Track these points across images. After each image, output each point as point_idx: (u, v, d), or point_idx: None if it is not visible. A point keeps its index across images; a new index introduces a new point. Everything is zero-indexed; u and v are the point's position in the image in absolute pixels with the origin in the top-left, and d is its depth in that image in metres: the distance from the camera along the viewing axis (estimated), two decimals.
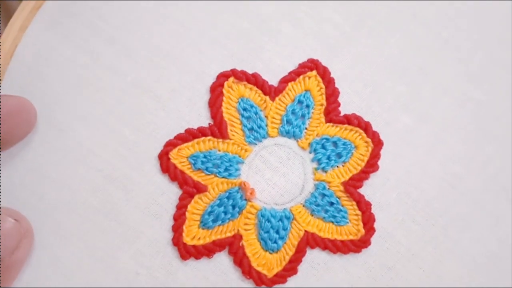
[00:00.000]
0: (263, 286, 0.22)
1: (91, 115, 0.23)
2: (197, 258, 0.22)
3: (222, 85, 0.23)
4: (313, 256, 0.22)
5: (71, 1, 0.24)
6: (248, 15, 0.24)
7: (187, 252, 0.22)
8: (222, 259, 0.22)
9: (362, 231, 0.23)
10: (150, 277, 0.22)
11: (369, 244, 0.23)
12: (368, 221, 0.23)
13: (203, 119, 0.23)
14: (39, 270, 0.22)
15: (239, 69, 0.24)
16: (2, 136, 0.22)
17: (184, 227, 0.22)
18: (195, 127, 0.23)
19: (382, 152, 0.23)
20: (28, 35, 0.24)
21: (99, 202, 0.22)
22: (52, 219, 0.22)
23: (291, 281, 0.22)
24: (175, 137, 0.23)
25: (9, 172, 0.23)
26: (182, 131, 0.23)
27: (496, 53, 0.24)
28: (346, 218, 0.23)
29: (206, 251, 0.22)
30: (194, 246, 0.22)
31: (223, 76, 0.23)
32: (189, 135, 0.23)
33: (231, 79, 0.23)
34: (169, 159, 0.23)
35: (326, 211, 0.23)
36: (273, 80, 0.24)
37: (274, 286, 0.22)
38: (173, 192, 0.23)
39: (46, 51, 0.24)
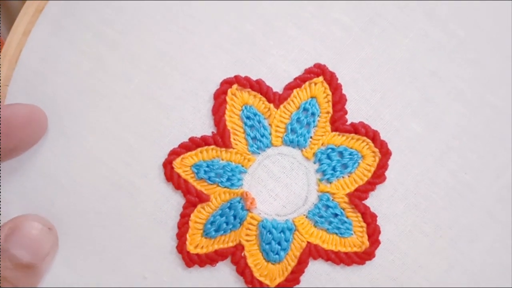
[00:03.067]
0: None
1: (97, 122, 0.23)
2: (201, 266, 0.22)
3: (226, 93, 0.23)
4: (316, 267, 0.22)
5: (73, 4, 0.24)
6: (252, 17, 0.23)
7: (191, 260, 0.22)
8: (226, 267, 0.22)
9: (367, 243, 0.22)
10: (157, 281, 0.23)
11: (374, 256, 0.22)
12: (373, 233, 0.22)
13: (207, 127, 0.23)
14: (52, 272, 0.23)
15: (243, 74, 0.23)
16: (16, 143, 0.22)
17: (187, 235, 0.22)
18: (199, 135, 0.23)
19: (390, 161, 0.23)
20: (32, 40, 0.24)
21: (107, 208, 0.23)
22: (63, 224, 0.23)
23: None
24: (179, 146, 0.23)
25: (22, 177, 0.23)
26: (186, 139, 0.23)
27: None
28: (351, 230, 0.22)
29: (209, 260, 0.22)
30: (197, 255, 0.22)
31: (227, 83, 0.23)
32: (193, 144, 0.23)
33: (235, 86, 0.23)
34: (173, 168, 0.23)
35: (330, 223, 0.22)
36: (278, 86, 0.23)
37: None
38: (178, 200, 0.23)
39: (51, 56, 0.24)
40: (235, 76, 0.23)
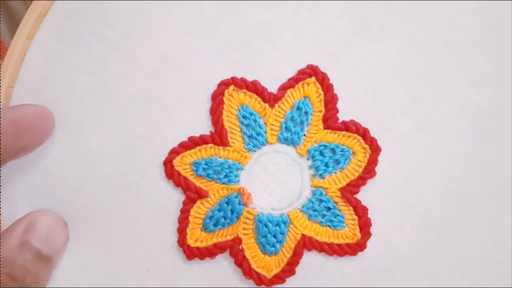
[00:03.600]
0: (263, 286, 0.23)
1: (101, 123, 0.24)
2: (201, 258, 0.24)
3: (223, 93, 0.24)
4: (310, 258, 0.23)
5: (76, 8, 0.25)
6: (250, 22, 0.24)
7: (191, 253, 0.23)
8: (225, 260, 0.24)
9: (359, 235, 0.23)
10: (159, 274, 0.24)
11: (365, 247, 0.23)
12: (364, 225, 0.23)
13: (205, 127, 0.24)
14: (60, 267, 0.24)
15: (239, 76, 0.24)
16: (26, 143, 0.23)
17: (187, 230, 0.24)
18: (198, 134, 0.24)
19: (380, 158, 0.24)
20: (36, 43, 0.25)
21: (111, 206, 0.24)
22: (69, 222, 0.24)
23: (290, 281, 0.23)
24: (178, 145, 0.24)
25: (28, 177, 0.24)
26: (186, 138, 0.24)
27: (501, 57, 0.24)
28: (343, 223, 0.24)
29: (208, 252, 0.23)
30: (197, 248, 0.23)
31: (224, 85, 0.24)
32: (192, 143, 0.24)
33: (232, 87, 0.24)
34: (173, 166, 0.24)
35: (323, 216, 0.24)
36: (273, 86, 0.24)
37: (273, 286, 0.23)
38: (178, 196, 0.24)
39: (55, 58, 0.25)
40: (232, 78, 0.24)
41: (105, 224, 0.24)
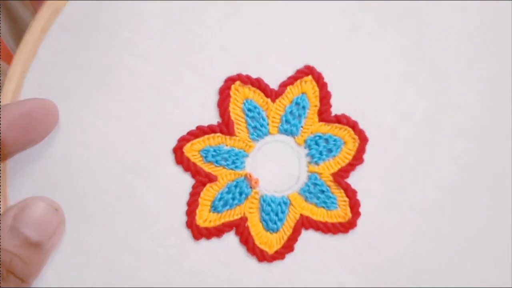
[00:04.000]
0: (265, 261, 0.26)
1: (112, 112, 0.26)
2: (208, 238, 0.26)
3: (230, 88, 0.27)
4: (307, 236, 0.26)
5: (90, 7, 0.26)
6: (253, 25, 0.27)
7: (199, 233, 0.26)
8: (230, 238, 0.26)
9: (349, 214, 0.26)
10: (167, 255, 0.26)
11: (355, 225, 0.26)
12: (354, 206, 0.27)
13: (213, 118, 0.27)
14: (66, 250, 0.25)
15: (244, 73, 0.27)
16: (35, 136, 0.25)
17: (197, 211, 0.26)
18: (206, 124, 0.27)
19: (367, 147, 0.27)
20: (50, 36, 0.26)
21: (120, 189, 0.26)
22: (78, 205, 0.25)
23: (289, 257, 0.26)
24: (188, 133, 0.26)
25: (36, 164, 0.26)
26: (194, 128, 0.26)
27: (478, 58, 0.27)
28: (336, 204, 0.27)
29: (216, 231, 0.26)
30: (205, 228, 0.26)
31: (230, 80, 0.27)
32: (201, 132, 0.26)
33: (238, 82, 0.27)
34: (183, 152, 0.26)
35: (318, 198, 0.27)
36: (274, 83, 0.27)
37: (274, 261, 0.26)
38: (186, 181, 0.26)
39: (68, 52, 0.26)
40: (238, 74, 0.27)
41: (113, 206, 0.26)
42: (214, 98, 0.27)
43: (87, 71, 0.27)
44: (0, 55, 0.28)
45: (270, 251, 0.26)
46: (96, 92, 0.26)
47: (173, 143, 0.26)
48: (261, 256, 0.26)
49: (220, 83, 0.27)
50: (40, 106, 0.25)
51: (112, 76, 0.26)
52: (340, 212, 0.27)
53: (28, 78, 0.27)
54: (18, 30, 0.35)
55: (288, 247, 0.26)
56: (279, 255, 0.26)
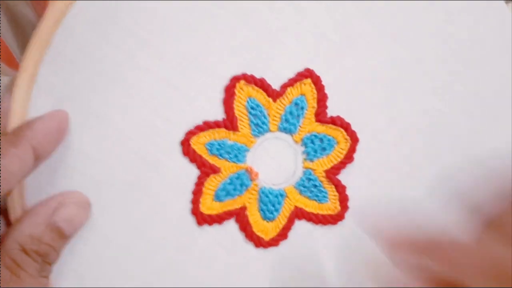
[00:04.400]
0: (261, 247, 0.28)
1: (126, 106, 0.28)
2: (210, 224, 0.28)
3: (235, 86, 0.29)
4: (300, 226, 0.29)
5: (107, 6, 0.28)
6: (259, 29, 0.29)
7: (203, 219, 0.28)
8: (230, 225, 0.28)
9: (339, 208, 0.29)
10: (175, 240, 0.28)
11: (344, 218, 0.29)
12: (343, 200, 0.29)
13: (219, 114, 0.29)
14: (82, 236, 0.27)
15: (249, 73, 0.29)
16: (50, 152, 0.25)
17: (201, 199, 0.28)
18: (212, 120, 0.29)
19: (358, 147, 0.30)
20: (65, 28, 0.27)
21: (133, 178, 0.28)
22: (93, 192, 0.27)
23: (283, 244, 0.29)
24: (195, 127, 0.28)
25: (54, 153, 0.27)
26: (201, 123, 0.29)
27: (461, 70, 0.29)
28: (327, 198, 0.29)
29: (218, 219, 0.28)
30: (208, 215, 0.28)
31: (236, 79, 0.29)
32: (207, 126, 0.28)
33: (242, 81, 0.29)
34: (190, 145, 0.28)
35: (311, 192, 0.29)
36: (275, 84, 0.29)
37: (269, 247, 0.29)
38: (193, 172, 0.28)
39: (84, 45, 0.28)
40: (243, 74, 0.29)
41: (126, 194, 0.28)
42: (220, 95, 0.29)
43: (104, 66, 0.28)
44: (0, 55, 0.29)
45: (266, 238, 0.28)
46: (112, 87, 0.28)
47: (182, 136, 0.28)
48: (258, 242, 0.28)
49: (225, 81, 0.29)
50: (55, 124, 0.25)
51: (128, 73, 0.28)
52: (330, 205, 0.29)
53: (44, 67, 0.28)
54: (19, 30, 0.35)
55: (282, 235, 0.29)
56: (274, 241, 0.29)
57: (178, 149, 0.28)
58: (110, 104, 0.28)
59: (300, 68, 0.29)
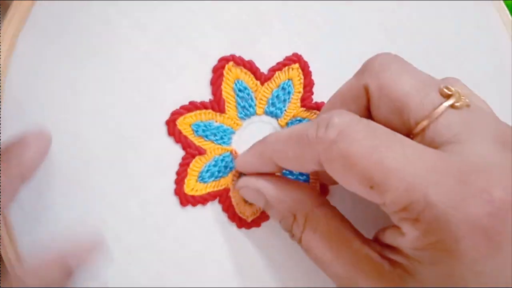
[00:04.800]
0: (243, 227, 0.29)
1: (104, 80, 0.27)
2: (193, 205, 0.28)
3: (223, 68, 0.29)
4: None
5: None
6: (248, 9, 0.29)
7: (186, 200, 0.28)
8: (214, 206, 0.29)
9: (319, 191, 0.30)
10: (155, 220, 0.28)
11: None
12: (323, 185, 0.30)
13: (205, 95, 0.29)
14: (54, 210, 0.27)
15: (237, 55, 0.29)
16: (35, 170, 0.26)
17: (185, 180, 0.28)
18: (199, 100, 0.28)
19: None
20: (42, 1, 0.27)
21: (113, 156, 0.27)
22: (70, 169, 0.27)
23: (264, 225, 0.29)
24: (180, 107, 0.28)
25: (32, 126, 0.27)
26: (187, 103, 0.28)
27: (448, 66, 0.31)
28: (308, 181, 0.30)
29: (201, 199, 0.28)
30: (192, 196, 0.28)
31: (224, 60, 0.29)
32: (193, 107, 0.28)
33: (231, 63, 0.29)
34: (175, 125, 0.28)
35: (293, 174, 0.30)
36: (263, 67, 0.29)
37: (251, 228, 0.29)
38: (177, 153, 0.28)
39: (62, 16, 0.27)
40: (232, 55, 0.29)
41: (104, 174, 0.27)
42: (207, 76, 0.29)
43: (82, 37, 0.27)
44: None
45: (248, 219, 0.29)
46: (90, 60, 0.27)
47: (166, 115, 0.28)
48: (240, 223, 0.29)
49: (212, 61, 0.28)
50: (41, 148, 0.26)
51: (106, 45, 0.27)
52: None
53: (21, 37, 0.27)
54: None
55: (264, 217, 0.29)
56: (256, 223, 0.29)
57: (162, 128, 0.28)
58: (88, 76, 0.27)
59: (288, 52, 0.29)
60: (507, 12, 0.31)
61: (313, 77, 0.30)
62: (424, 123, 0.23)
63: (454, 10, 0.31)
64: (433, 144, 0.22)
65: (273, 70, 0.29)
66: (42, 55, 0.27)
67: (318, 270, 0.25)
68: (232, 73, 0.29)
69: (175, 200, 0.28)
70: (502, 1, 0.31)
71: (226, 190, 0.29)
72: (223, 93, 0.28)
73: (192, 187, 0.28)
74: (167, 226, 0.28)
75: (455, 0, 0.31)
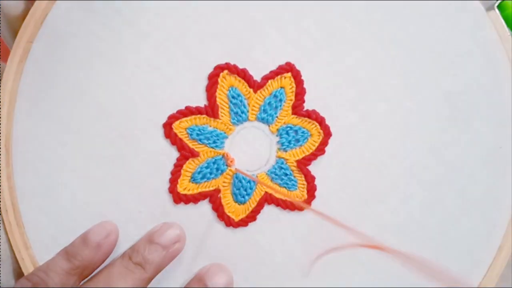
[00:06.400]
0: (231, 226, 0.31)
1: (109, 82, 0.29)
2: (186, 203, 0.30)
3: (218, 75, 0.30)
4: (269, 210, 0.31)
5: None
6: (243, 18, 0.30)
7: (179, 198, 0.30)
8: (204, 206, 0.31)
9: (306, 196, 0.31)
10: (149, 215, 0.30)
11: (310, 206, 0.32)
12: (311, 189, 0.31)
13: (201, 100, 0.30)
14: (59, 203, 0.30)
15: (232, 63, 0.30)
16: None
17: (178, 180, 0.30)
18: (194, 105, 0.30)
19: (330, 141, 0.31)
20: (57, 7, 0.29)
21: (112, 154, 0.30)
22: (73, 163, 0.29)
23: (251, 225, 0.31)
24: (177, 112, 0.30)
25: (41, 121, 0.29)
26: (183, 107, 0.30)
27: (434, 70, 0.31)
28: (296, 186, 0.32)
29: (193, 199, 0.30)
30: (184, 195, 0.30)
31: (220, 68, 0.30)
32: (189, 112, 0.30)
33: (226, 71, 0.30)
34: (171, 128, 0.30)
35: (282, 179, 0.31)
36: (257, 75, 0.31)
37: (239, 227, 0.31)
38: (172, 154, 0.30)
39: (73, 22, 0.29)
40: (226, 63, 0.30)
41: (103, 169, 0.30)
42: (203, 82, 0.30)
43: (90, 42, 0.29)
44: (0, 55, 0.30)
45: (236, 218, 0.31)
46: (96, 63, 0.29)
47: (163, 118, 0.30)
48: (228, 222, 0.31)
49: (208, 68, 0.30)
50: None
51: (111, 50, 0.29)
52: (298, 193, 0.32)
53: (36, 42, 0.29)
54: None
55: (251, 217, 0.31)
56: (243, 222, 0.31)
57: (159, 130, 0.30)
58: (93, 78, 0.29)
59: (281, 61, 0.31)
60: (503, 23, 0.31)
61: (305, 86, 0.31)
62: None
63: (449, 22, 0.31)
64: None
65: (266, 78, 0.30)
66: (54, 57, 0.29)
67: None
68: (226, 80, 0.30)
69: (168, 197, 0.30)
70: (497, 12, 0.31)
71: (217, 191, 0.31)
72: (217, 99, 0.30)
73: (185, 186, 0.30)
74: (162, 219, 0.30)
75: (450, 12, 0.31)
